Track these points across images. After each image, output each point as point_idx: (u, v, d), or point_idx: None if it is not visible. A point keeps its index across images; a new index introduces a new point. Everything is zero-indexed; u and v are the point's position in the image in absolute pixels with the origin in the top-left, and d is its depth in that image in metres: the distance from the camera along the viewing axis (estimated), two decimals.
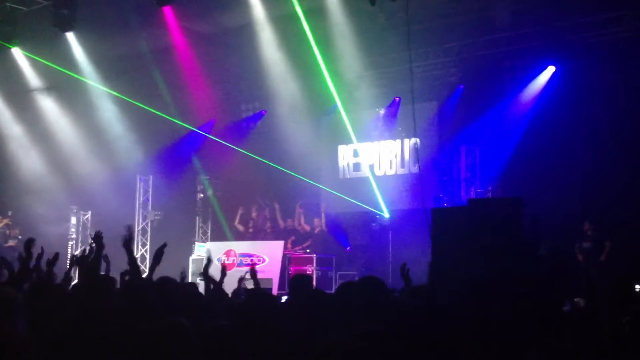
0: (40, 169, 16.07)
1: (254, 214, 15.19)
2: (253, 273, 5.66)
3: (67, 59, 15.03)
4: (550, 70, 13.08)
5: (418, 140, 13.25)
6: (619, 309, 3.85)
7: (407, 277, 5.26)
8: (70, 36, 14.74)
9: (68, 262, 11.51)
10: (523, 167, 12.80)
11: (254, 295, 4.02)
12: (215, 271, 5.42)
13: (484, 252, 6.35)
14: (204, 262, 5.40)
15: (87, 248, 6.45)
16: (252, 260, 12.76)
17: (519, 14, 12.94)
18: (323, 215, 14.46)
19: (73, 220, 16.24)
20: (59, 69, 14.82)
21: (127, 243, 5.10)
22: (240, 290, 6.03)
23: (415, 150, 13.45)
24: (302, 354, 3.02)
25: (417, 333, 3.06)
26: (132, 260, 5.08)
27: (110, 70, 15.46)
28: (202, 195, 17.28)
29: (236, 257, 13.26)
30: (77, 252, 15.55)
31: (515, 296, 3.97)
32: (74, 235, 16.21)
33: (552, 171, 12.59)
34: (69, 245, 16.06)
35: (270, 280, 12.29)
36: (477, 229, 6.63)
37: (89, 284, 4.70)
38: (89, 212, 16.37)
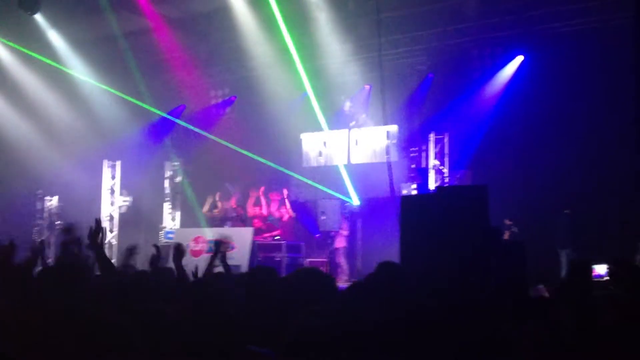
0: (3, 152, 15.76)
1: (218, 202, 15.08)
2: (221, 258, 5.55)
3: (37, 42, 14.77)
4: (519, 59, 13.21)
5: (388, 128, 13.27)
6: (581, 297, 3.90)
7: None
8: (40, 18, 14.53)
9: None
10: (491, 155, 12.93)
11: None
12: (187, 259, 5.33)
13: (450, 239, 6.42)
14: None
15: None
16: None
17: (488, 4, 13.03)
18: (287, 202, 14.46)
19: (38, 205, 15.95)
20: (26, 51, 14.57)
21: (94, 237, 4.89)
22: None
23: (385, 138, 13.49)
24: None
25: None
26: (100, 254, 4.86)
27: (80, 54, 15.24)
28: (170, 181, 17.11)
29: (205, 244, 13.20)
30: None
31: (480, 284, 4.01)
32: (40, 222, 15.90)
33: (520, 159, 12.75)
34: (34, 231, 15.76)
35: (238, 267, 12.24)
36: (445, 216, 6.70)
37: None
38: (55, 197, 16.08)
